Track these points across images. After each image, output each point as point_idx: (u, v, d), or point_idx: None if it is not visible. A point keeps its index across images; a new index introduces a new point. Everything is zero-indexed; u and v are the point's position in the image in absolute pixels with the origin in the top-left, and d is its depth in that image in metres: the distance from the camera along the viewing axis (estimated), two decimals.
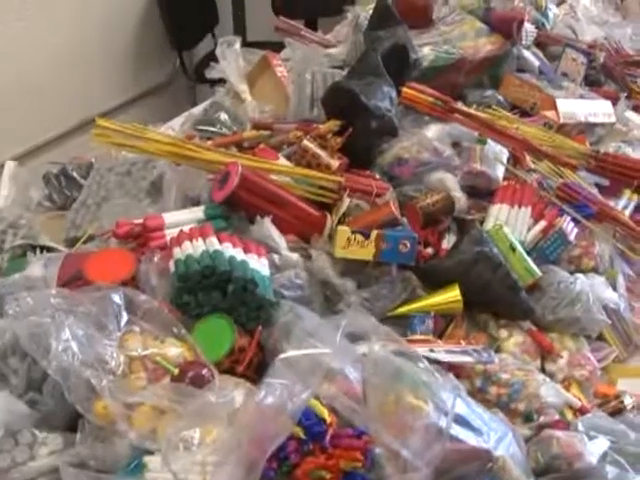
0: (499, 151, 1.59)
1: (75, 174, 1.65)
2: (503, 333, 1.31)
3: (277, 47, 2.18)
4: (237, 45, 1.93)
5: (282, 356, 0.92)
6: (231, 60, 1.91)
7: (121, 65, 3.97)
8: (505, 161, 1.58)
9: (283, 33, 2.20)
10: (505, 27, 2.00)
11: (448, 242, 1.42)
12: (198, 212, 1.27)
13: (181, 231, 1.17)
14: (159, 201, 1.40)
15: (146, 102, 4.13)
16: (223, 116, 1.75)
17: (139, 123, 3.55)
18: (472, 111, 1.67)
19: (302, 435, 0.88)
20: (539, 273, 1.35)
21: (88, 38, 3.67)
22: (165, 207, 1.36)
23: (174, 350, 0.97)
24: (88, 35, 3.66)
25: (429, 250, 1.38)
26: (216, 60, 1.98)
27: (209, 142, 1.63)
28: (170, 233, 1.22)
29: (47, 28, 3.35)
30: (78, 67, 3.62)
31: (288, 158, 1.50)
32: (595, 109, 1.93)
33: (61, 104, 3.52)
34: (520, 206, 1.45)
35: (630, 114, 2.13)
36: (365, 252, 1.23)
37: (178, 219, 1.25)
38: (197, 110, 1.97)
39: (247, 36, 4.43)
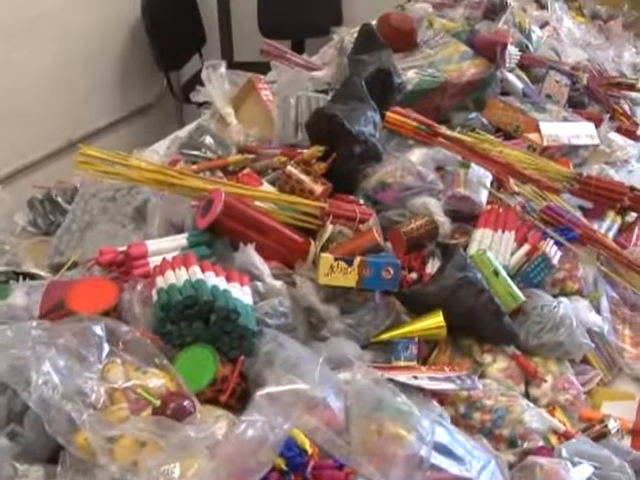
0: (483, 175, 1.59)
1: (60, 199, 1.65)
2: (487, 358, 1.31)
3: (264, 68, 2.18)
4: (222, 69, 1.94)
5: (262, 392, 0.92)
6: (216, 84, 1.92)
7: (108, 86, 3.98)
8: (489, 185, 1.59)
9: (269, 56, 2.20)
10: (489, 50, 2.02)
11: (432, 267, 1.42)
12: (181, 240, 1.27)
13: (164, 260, 1.17)
14: (143, 227, 1.40)
15: (133, 122, 4.14)
16: (208, 140, 1.76)
17: (127, 143, 3.56)
18: (456, 135, 1.68)
19: (283, 466, 0.87)
20: (522, 298, 1.36)
21: (75, 59, 3.67)
22: (149, 233, 1.36)
23: (156, 381, 0.97)
24: (75, 56, 3.67)
25: (413, 275, 1.38)
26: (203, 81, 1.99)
27: (194, 166, 1.65)
28: (154, 261, 1.22)
29: (33, 49, 3.35)
30: (65, 88, 3.63)
31: (272, 183, 1.51)
32: (578, 131, 1.95)
33: (48, 125, 3.52)
34: (504, 230, 1.46)
35: (613, 135, 2.15)
36: (348, 279, 1.24)
37: (161, 247, 1.25)
38: (183, 133, 1.97)
39: (234, 56, 4.45)
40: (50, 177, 1.81)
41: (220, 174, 1.64)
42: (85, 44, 3.73)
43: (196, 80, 2.10)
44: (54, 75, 3.56)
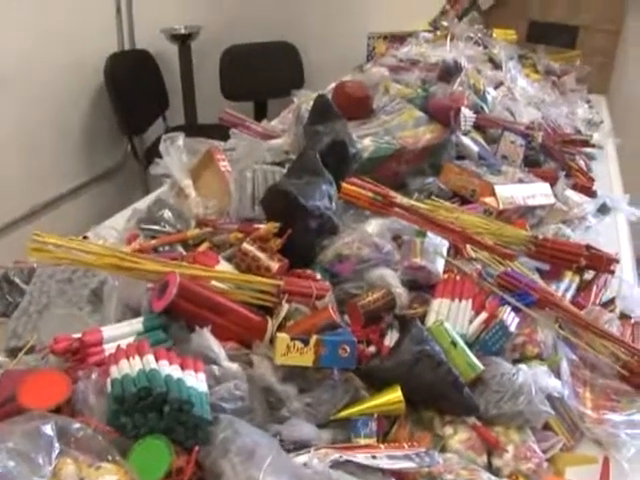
0: (439, 243, 1.61)
1: (17, 279, 1.63)
2: (448, 430, 1.31)
3: (228, 130, 2.23)
4: (180, 141, 1.95)
5: None
6: (175, 156, 1.93)
7: (71, 151, 4.00)
8: (445, 253, 1.61)
9: (228, 124, 2.23)
10: (443, 116, 2.06)
11: (390, 339, 1.42)
12: (137, 324, 1.26)
13: (119, 348, 1.16)
14: (100, 310, 1.39)
15: (98, 187, 4.16)
16: (167, 214, 1.76)
17: (91, 208, 3.57)
18: (412, 202, 1.69)
19: None
20: (481, 367, 1.36)
21: (37, 124, 3.69)
22: (105, 316, 1.35)
23: (109, 477, 0.95)
24: (37, 121, 3.69)
25: (371, 348, 1.38)
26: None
27: (153, 241, 1.65)
28: (109, 348, 1.21)
29: None
30: (27, 154, 3.65)
31: (229, 259, 1.51)
32: (533, 191, 1.98)
33: (10, 192, 3.52)
34: (460, 299, 1.47)
35: (570, 193, 2.18)
36: (305, 359, 1.24)
37: (117, 333, 1.24)
38: (142, 205, 1.97)
39: (198, 119, 4.50)
40: (12, 245, 1.80)
41: (180, 248, 1.65)
42: (48, 109, 3.76)
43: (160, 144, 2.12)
44: (16, 141, 3.58)
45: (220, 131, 2.24)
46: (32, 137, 3.66)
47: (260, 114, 4.53)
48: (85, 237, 1.73)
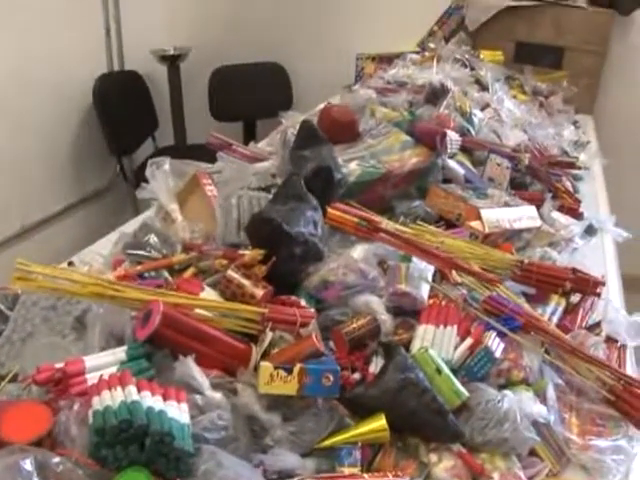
0: (424, 268, 1.61)
1: (1, 306, 1.63)
2: (433, 457, 1.31)
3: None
4: (166, 166, 1.95)
5: None
6: (161, 181, 1.93)
7: (60, 172, 4.00)
8: (430, 278, 1.61)
9: (214, 147, 2.23)
10: (429, 139, 2.06)
11: (375, 366, 1.42)
12: (120, 353, 1.26)
13: (101, 378, 1.16)
14: (84, 337, 1.39)
15: (87, 208, 4.16)
16: (153, 239, 1.75)
17: (80, 229, 3.56)
18: (398, 227, 1.70)
19: None
20: (466, 394, 1.36)
21: (26, 144, 3.69)
22: (89, 344, 1.35)
23: None
24: (26, 141, 3.69)
25: (356, 375, 1.38)
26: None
27: (139, 266, 1.65)
28: (92, 377, 1.21)
29: None
30: (16, 174, 3.64)
31: (214, 286, 1.51)
32: (519, 214, 1.98)
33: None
34: (445, 325, 1.47)
35: (556, 215, 2.19)
36: (288, 387, 1.24)
37: (100, 362, 1.24)
38: (130, 227, 1.97)
39: (187, 139, 4.50)
40: (1, 267, 1.79)
41: (166, 274, 1.65)
42: (36, 130, 3.77)
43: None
44: (5, 161, 3.58)
45: (209, 151, 2.25)
46: (21, 158, 3.66)
47: (249, 135, 4.54)
48: (70, 263, 1.73)
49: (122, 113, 4.10)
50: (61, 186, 3.97)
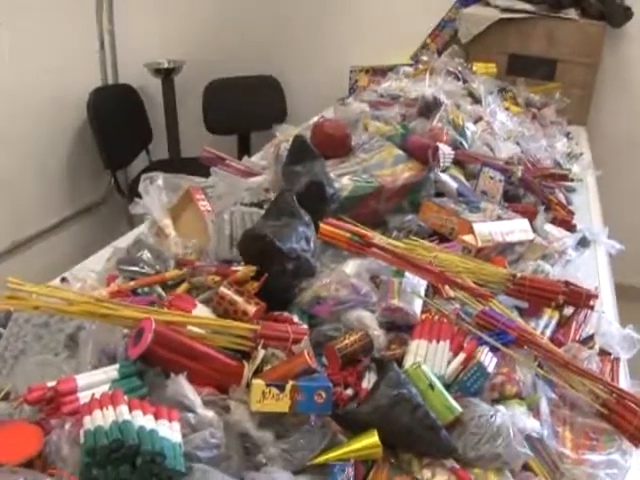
0: (417, 283, 1.61)
1: None
2: (426, 473, 1.30)
3: None
4: (160, 181, 1.95)
5: None
6: (154, 196, 1.93)
7: (54, 185, 4.00)
8: (423, 293, 1.61)
9: (207, 162, 2.23)
10: (421, 153, 2.06)
11: (368, 381, 1.42)
12: (112, 371, 1.25)
13: (92, 398, 1.15)
14: (76, 355, 1.39)
15: (81, 221, 4.15)
16: (146, 255, 1.75)
17: (74, 243, 3.55)
18: (390, 241, 1.70)
19: None
20: (459, 409, 1.36)
21: (20, 158, 3.69)
22: (81, 362, 1.34)
23: None
24: (20, 155, 3.69)
25: (349, 391, 1.38)
26: None
27: (132, 282, 1.65)
28: (84, 395, 1.20)
29: None
30: (9, 188, 3.63)
31: (207, 302, 1.51)
32: (512, 228, 1.98)
33: None
34: (438, 340, 1.47)
35: (549, 227, 2.19)
36: (281, 405, 1.23)
37: (92, 381, 1.23)
38: (123, 242, 1.97)
39: (182, 152, 4.50)
40: None
41: (159, 290, 1.65)
42: (30, 143, 3.76)
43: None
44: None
45: (203, 165, 2.25)
46: (15, 171, 3.65)
47: (243, 147, 4.55)
48: (64, 279, 1.72)
49: (116, 127, 4.09)
50: (55, 200, 3.96)
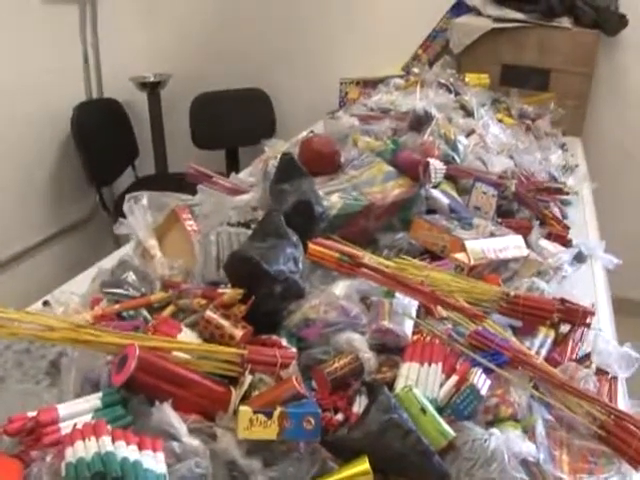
0: (408, 304, 1.58)
1: None
2: None
3: None
4: (144, 200, 1.92)
5: None
6: (139, 216, 1.90)
7: (38, 202, 3.96)
8: (414, 313, 1.58)
9: (193, 180, 2.20)
10: (412, 170, 2.04)
11: (359, 405, 1.38)
12: (95, 400, 1.22)
13: (74, 428, 1.12)
14: (58, 383, 1.35)
15: (66, 239, 4.12)
16: (131, 277, 1.72)
17: (60, 261, 3.52)
18: (381, 261, 1.67)
19: None
20: (452, 434, 1.32)
21: (3, 174, 3.66)
22: (64, 390, 1.31)
23: None
24: (3, 171, 3.65)
25: (339, 416, 1.35)
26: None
27: (117, 305, 1.61)
28: (66, 425, 1.17)
29: None
30: None
31: (193, 326, 1.47)
32: (506, 244, 1.95)
33: None
34: (430, 363, 1.44)
35: (544, 243, 2.16)
36: (268, 432, 1.20)
37: (74, 410, 1.20)
38: (108, 262, 1.93)
39: (169, 168, 4.46)
40: None
41: (145, 312, 1.61)
42: (14, 159, 3.73)
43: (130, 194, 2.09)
44: None
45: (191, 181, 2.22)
46: None
47: (232, 162, 4.52)
48: (46, 302, 1.69)
49: (101, 142, 4.05)
50: (39, 217, 3.92)
